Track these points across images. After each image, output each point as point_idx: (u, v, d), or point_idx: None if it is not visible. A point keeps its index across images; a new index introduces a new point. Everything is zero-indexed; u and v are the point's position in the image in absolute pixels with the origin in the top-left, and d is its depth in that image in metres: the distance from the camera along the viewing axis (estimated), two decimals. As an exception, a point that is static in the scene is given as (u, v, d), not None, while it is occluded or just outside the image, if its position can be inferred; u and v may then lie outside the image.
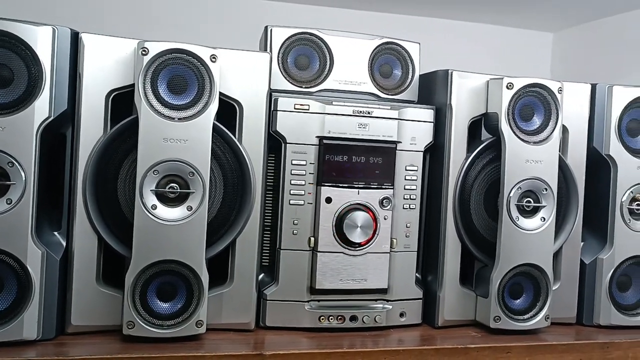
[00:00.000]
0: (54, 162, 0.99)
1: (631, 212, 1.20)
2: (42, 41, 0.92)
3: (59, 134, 0.98)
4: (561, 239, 1.19)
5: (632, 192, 1.20)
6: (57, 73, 0.93)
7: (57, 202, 0.99)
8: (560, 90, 1.13)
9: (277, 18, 1.24)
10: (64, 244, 0.98)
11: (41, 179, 0.94)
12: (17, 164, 0.91)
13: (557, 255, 1.19)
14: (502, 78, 1.11)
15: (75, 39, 0.96)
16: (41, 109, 0.92)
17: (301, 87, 1.13)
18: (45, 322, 0.94)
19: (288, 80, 1.13)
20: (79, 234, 0.97)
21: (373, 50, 1.17)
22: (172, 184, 0.97)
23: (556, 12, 1.64)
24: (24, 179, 0.91)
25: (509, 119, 1.10)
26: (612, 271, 1.19)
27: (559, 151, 1.15)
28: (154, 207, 0.96)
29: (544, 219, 1.13)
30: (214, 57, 0.98)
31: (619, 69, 1.58)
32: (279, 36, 1.12)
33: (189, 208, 0.97)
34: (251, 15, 1.41)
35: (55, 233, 0.99)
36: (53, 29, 0.93)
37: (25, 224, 0.91)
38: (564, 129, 1.18)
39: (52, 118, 0.93)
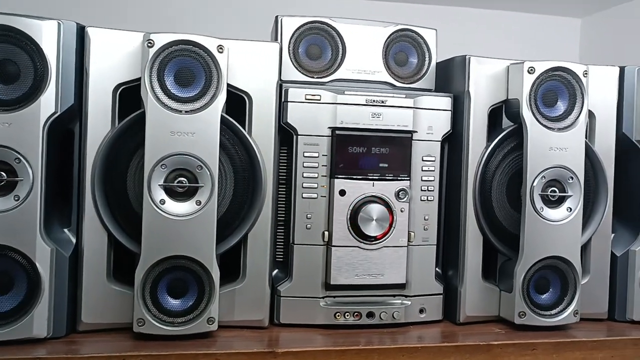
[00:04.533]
0: (64, 159, 0.98)
1: (665, 201, 1.14)
2: (47, 35, 0.91)
3: (67, 130, 0.97)
4: (590, 230, 1.13)
5: (665, 179, 1.13)
6: (63, 68, 0.92)
7: (68, 199, 0.98)
8: (586, 73, 1.07)
9: (288, 8, 1.21)
10: (74, 240, 0.97)
11: (50, 175, 0.93)
12: (24, 160, 0.90)
13: (585, 247, 1.14)
14: (523, 62, 1.06)
15: (81, 33, 0.95)
16: (47, 104, 0.91)
17: (313, 77, 1.11)
18: (55, 320, 0.93)
19: (299, 71, 1.10)
20: (88, 231, 0.96)
21: (387, 38, 1.13)
22: (181, 178, 0.95)
23: (583, -4, 1.58)
24: (31, 175, 0.90)
25: (530, 105, 1.06)
26: (645, 264, 1.13)
27: (586, 138, 1.10)
28: (163, 202, 0.94)
29: (570, 209, 1.07)
30: (220, 48, 0.95)
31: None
32: (289, 26, 1.10)
33: (198, 202, 0.95)
34: (263, 6, 1.38)
35: (65, 230, 0.98)
36: (58, 23, 0.92)
37: (34, 220, 0.90)
38: (591, 115, 1.12)
39: (58, 113, 0.92)
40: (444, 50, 1.17)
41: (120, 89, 0.97)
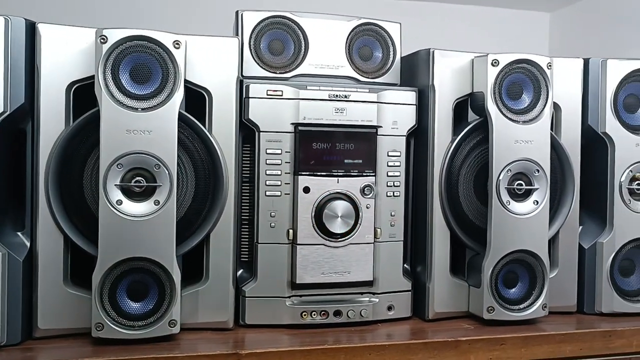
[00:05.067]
0: (16, 159, 0.95)
1: (631, 192, 1.13)
2: (-7, 32, 0.88)
3: (18, 130, 0.94)
4: (557, 223, 1.13)
5: (631, 171, 1.13)
6: (12, 65, 0.89)
7: (21, 201, 0.95)
8: (550, 65, 1.07)
9: (249, 3, 1.18)
10: (28, 244, 0.94)
11: (1, 177, 0.90)
12: (-29, 161, 0.87)
13: (553, 240, 1.13)
14: (487, 55, 1.05)
15: (32, 29, 0.92)
16: (-5, 103, 0.88)
17: (275, 73, 1.08)
18: (9, 327, 0.90)
19: (261, 67, 1.08)
20: (42, 234, 0.93)
21: (350, 32, 1.12)
22: (138, 178, 0.92)
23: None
24: (-20, 177, 0.87)
25: (495, 98, 1.05)
26: (613, 255, 1.13)
27: (551, 130, 1.09)
28: (120, 202, 0.91)
29: (537, 202, 1.06)
30: (177, 44, 0.93)
31: (619, 46, 1.51)
32: (250, 20, 1.07)
33: (157, 202, 0.92)
34: (225, 2, 1.36)
35: (19, 233, 0.94)
36: (5, 19, 0.89)
37: (-17, 224, 0.87)
38: (556, 107, 1.12)
39: (8, 112, 0.89)
40: (413, 46, 1.15)
41: (75, 87, 0.94)
